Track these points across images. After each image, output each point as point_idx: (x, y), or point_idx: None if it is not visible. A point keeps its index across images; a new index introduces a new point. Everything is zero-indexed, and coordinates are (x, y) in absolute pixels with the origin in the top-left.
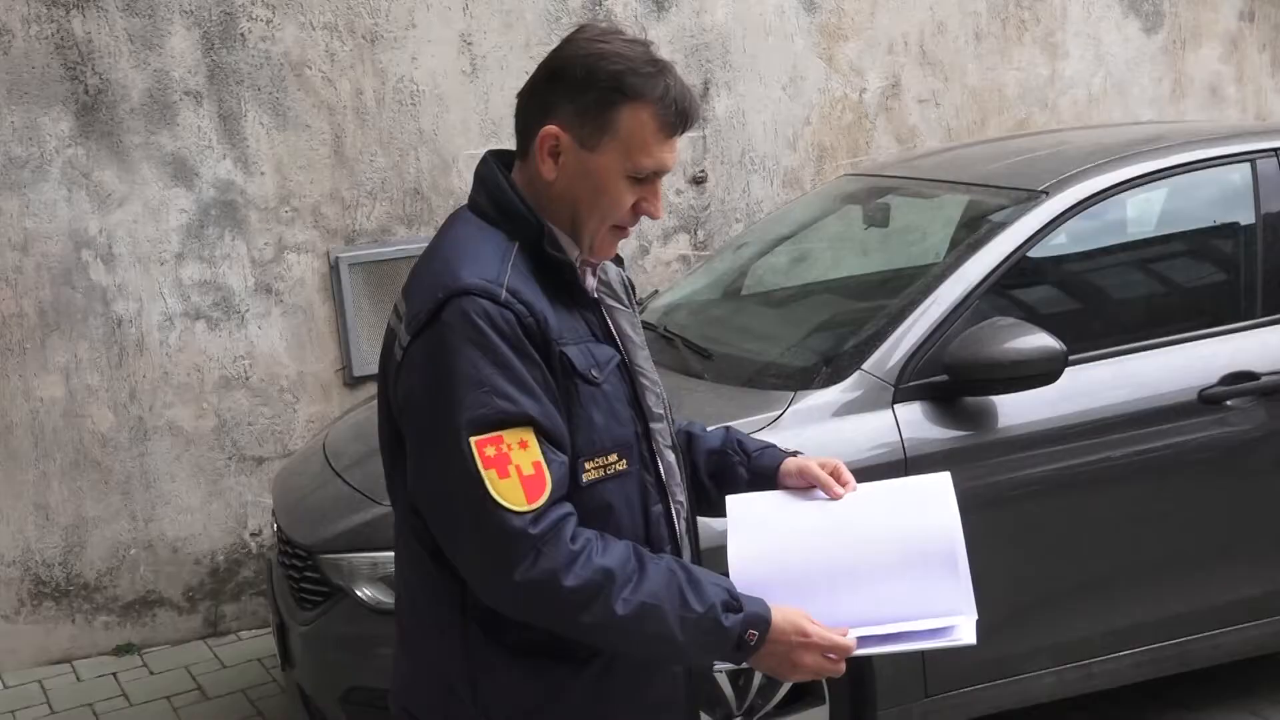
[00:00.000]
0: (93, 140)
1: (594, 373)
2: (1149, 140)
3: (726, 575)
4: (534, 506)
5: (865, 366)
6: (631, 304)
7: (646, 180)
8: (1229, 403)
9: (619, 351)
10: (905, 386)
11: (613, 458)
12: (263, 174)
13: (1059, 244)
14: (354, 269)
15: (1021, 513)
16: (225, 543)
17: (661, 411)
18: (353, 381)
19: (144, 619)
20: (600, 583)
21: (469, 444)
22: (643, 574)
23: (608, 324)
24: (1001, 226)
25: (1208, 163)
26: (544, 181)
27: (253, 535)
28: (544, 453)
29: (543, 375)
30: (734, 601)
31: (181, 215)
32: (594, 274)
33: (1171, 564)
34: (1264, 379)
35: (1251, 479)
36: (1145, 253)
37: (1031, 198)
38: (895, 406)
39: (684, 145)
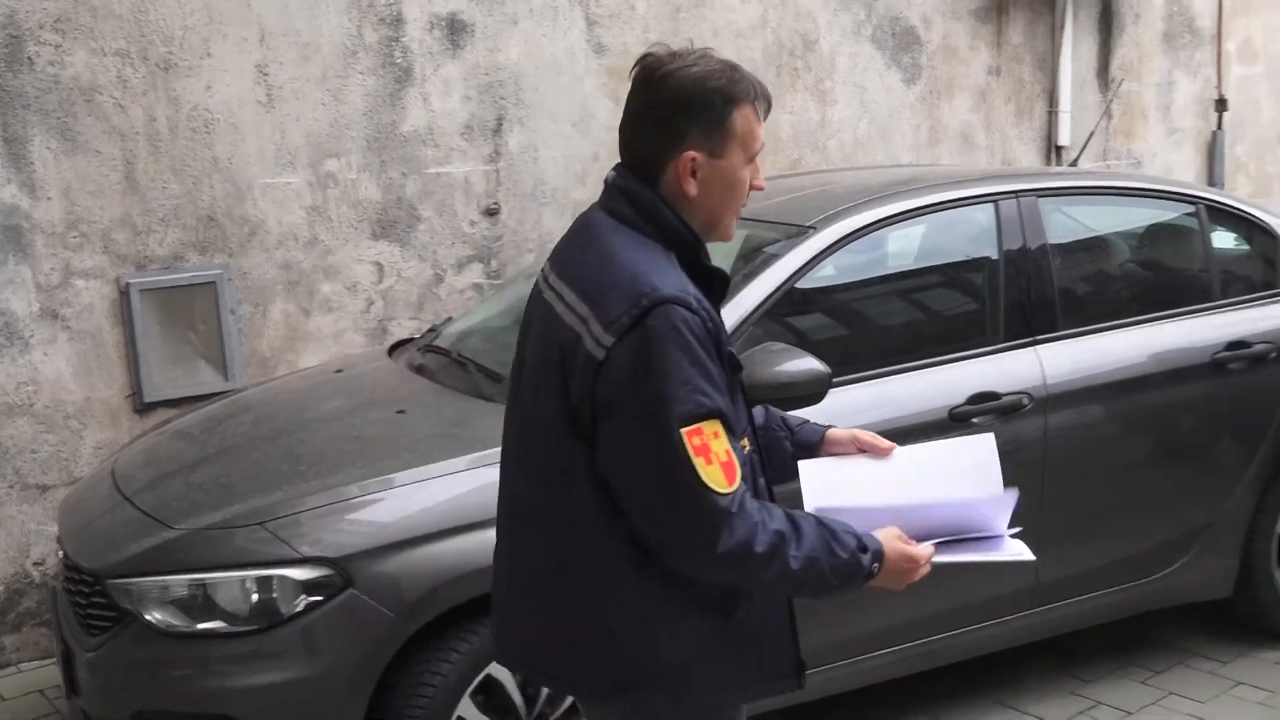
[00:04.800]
0: None
1: (740, 369)
2: (907, 181)
3: None
4: (733, 488)
5: None
6: None
7: (752, 161)
8: (974, 420)
9: None
10: None
11: (745, 440)
12: (49, 199)
13: (826, 275)
14: (145, 295)
15: None
16: (6, 572)
17: None
18: (143, 407)
19: None
20: (778, 545)
21: (680, 435)
22: (799, 532)
23: None
24: (773, 259)
25: (957, 203)
26: (686, 198)
27: (35, 564)
28: (729, 441)
29: (720, 373)
30: (862, 543)
31: None
32: None
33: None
34: (1004, 398)
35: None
36: (903, 284)
37: (800, 233)
38: None
39: (477, 179)
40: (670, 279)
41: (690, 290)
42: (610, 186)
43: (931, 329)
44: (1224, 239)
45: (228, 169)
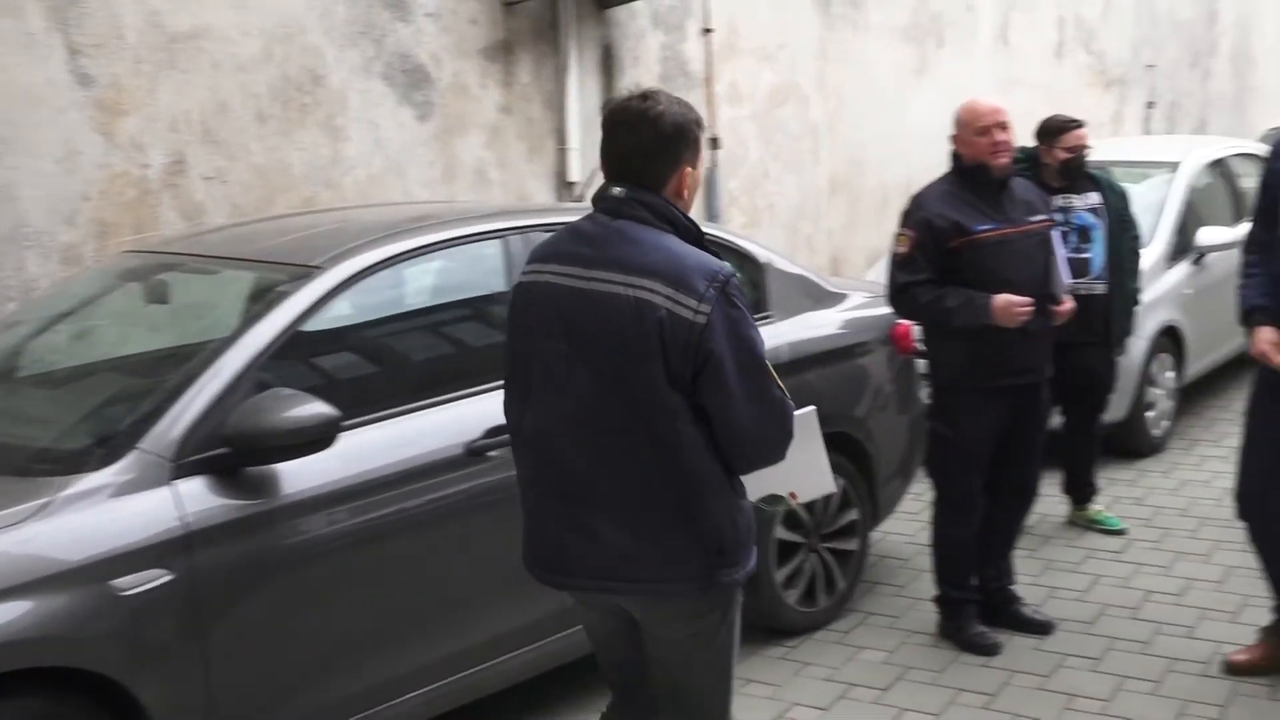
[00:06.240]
0: None
1: None
2: (418, 219)
3: None
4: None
5: (142, 445)
6: None
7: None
8: (491, 453)
9: None
10: (185, 462)
11: None
12: None
13: (340, 314)
14: None
15: (314, 572)
16: None
17: None
18: None
19: None
20: None
21: (766, 362)
22: None
23: None
24: (278, 301)
25: (466, 239)
26: (681, 200)
27: None
28: None
29: None
30: None
31: None
32: None
33: (455, 605)
34: None
35: (513, 520)
36: (418, 321)
37: (306, 273)
38: (175, 483)
39: None
40: (713, 259)
41: None
42: (626, 199)
43: (447, 365)
44: None
45: None
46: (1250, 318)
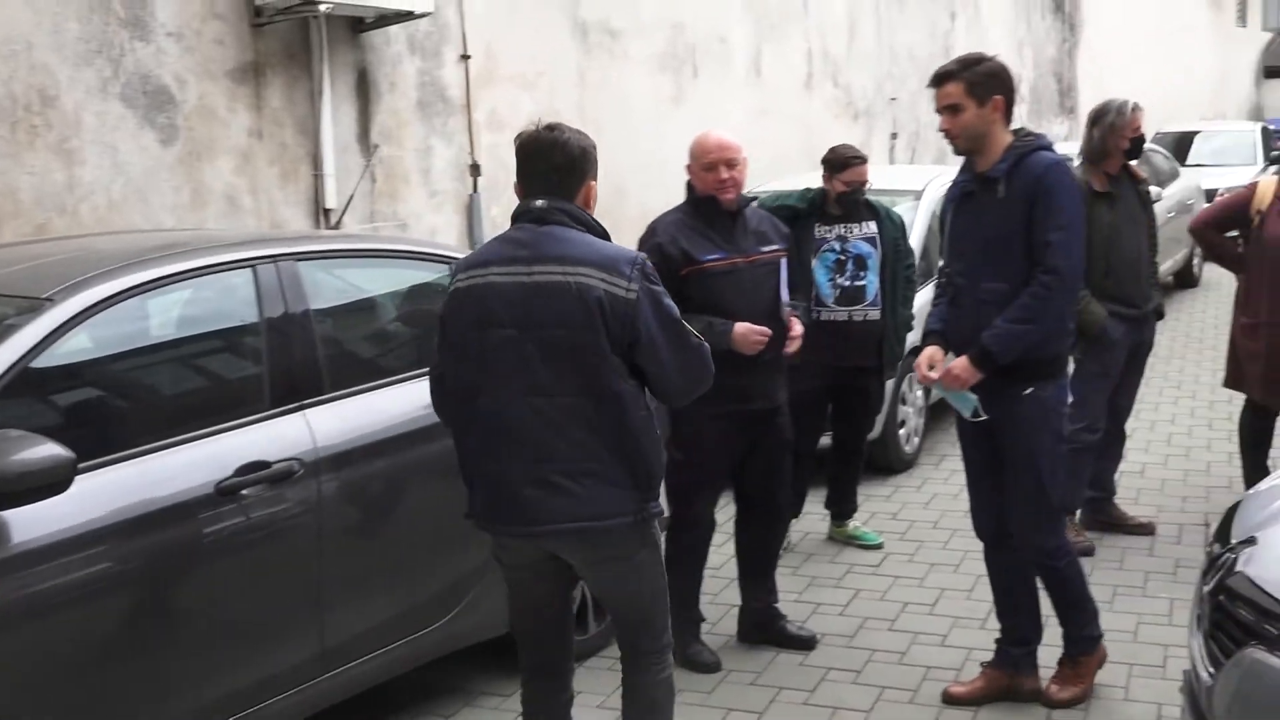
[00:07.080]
0: None
1: None
2: (163, 247)
3: None
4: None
5: None
6: None
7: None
8: (245, 492)
9: None
10: None
11: None
12: None
13: (76, 349)
14: None
15: (49, 627)
16: None
17: None
18: None
19: None
20: None
21: (684, 322)
22: None
23: None
24: (5, 335)
25: (213, 269)
26: (588, 208)
27: None
28: None
29: None
30: None
31: None
32: None
33: (205, 650)
34: (275, 466)
35: (269, 560)
36: (165, 354)
37: (35, 306)
38: None
39: None
40: (624, 247)
41: None
42: (549, 209)
43: (195, 400)
44: None
45: None
46: (925, 340)
